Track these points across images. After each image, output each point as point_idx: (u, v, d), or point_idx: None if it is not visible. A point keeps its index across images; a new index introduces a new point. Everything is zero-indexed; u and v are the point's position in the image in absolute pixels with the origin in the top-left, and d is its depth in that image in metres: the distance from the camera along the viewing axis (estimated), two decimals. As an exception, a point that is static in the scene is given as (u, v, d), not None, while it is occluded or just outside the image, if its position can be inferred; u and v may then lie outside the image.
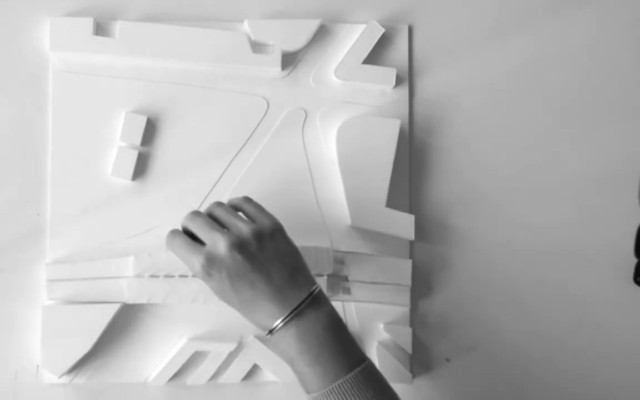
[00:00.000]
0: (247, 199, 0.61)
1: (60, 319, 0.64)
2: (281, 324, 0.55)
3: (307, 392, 0.55)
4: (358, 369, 0.55)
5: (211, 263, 0.56)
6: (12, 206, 0.66)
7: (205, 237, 0.57)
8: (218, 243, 0.56)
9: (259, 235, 0.57)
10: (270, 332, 0.56)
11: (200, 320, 0.67)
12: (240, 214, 0.60)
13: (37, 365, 0.65)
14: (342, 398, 0.54)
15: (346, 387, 0.54)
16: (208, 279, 0.56)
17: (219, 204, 0.60)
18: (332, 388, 0.54)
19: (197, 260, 0.56)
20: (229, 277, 0.56)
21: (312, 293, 0.56)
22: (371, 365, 0.56)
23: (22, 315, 0.66)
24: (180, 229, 0.59)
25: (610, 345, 0.70)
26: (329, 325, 0.56)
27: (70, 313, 0.64)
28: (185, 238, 0.58)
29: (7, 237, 0.66)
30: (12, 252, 0.66)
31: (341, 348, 0.56)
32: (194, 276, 0.65)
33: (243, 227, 0.57)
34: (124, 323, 0.66)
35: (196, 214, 0.59)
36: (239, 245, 0.56)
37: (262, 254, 0.56)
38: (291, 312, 0.55)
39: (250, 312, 0.57)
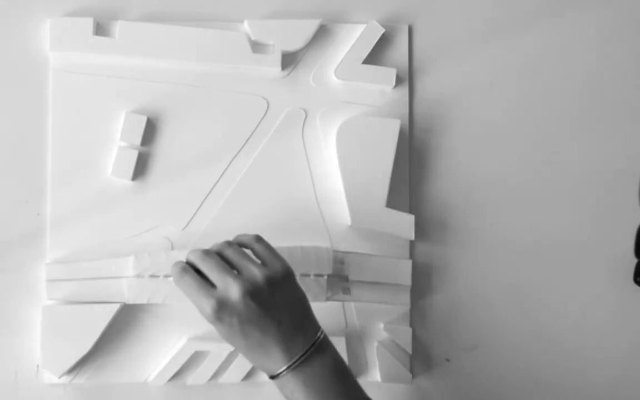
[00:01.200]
0: (258, 238, 0.60)
1: (60, 319, 0.64)
2: (287, 370, 0.55)
3: None
4: None
5: (223, 308, 0.55)
6: (12, 206, 0.66)
7: (216, 279, 0.56)
8: (230, 288, 0.55)
9: (271, 281, 0.56)
10: (275, 376, 0.56)
11: (200, 320, 0.66)
12: (250, 253, 0.59)
13: (37, 365, 0.65)
14: None
15: None
16: (218, 322, 0.55)
17: (229, 244, 0.59)
18: None
19: (207, 304, 0.55)
20: (239, 322, 0.55)
21: (318, 338, 0.57)
22: None
23: (22, 315, 0.66)
24: (187, 263, 0.58)
25: (610, 345, 0.70)
26: (335, 370, 0.56)
27: (70, 313, 0.64)
28: (195, 277, 0.56)
29: (7, 237, 0.66)
30: (12, 252, 0.66)
31: (347, 390, 0.56)
32: None
33: (256, 272, 0.56)
34: (124, 323, 0.66)
35: (207, 253, 0.57)
36: (252, 292, 0.55)
37: (273, 301, 0.56)
38: (298, 358, 0.55)
39: (256, 357, 0.56)
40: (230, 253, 0.58)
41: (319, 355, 0.56)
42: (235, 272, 0.56)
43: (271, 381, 0.55)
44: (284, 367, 0.55)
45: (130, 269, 0.65)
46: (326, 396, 0.55)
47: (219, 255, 0.58)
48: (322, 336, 0.57)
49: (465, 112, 0.70)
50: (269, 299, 0.55)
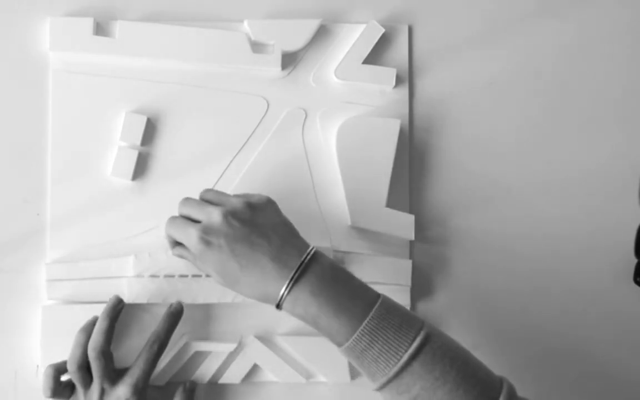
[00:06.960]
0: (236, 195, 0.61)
1: (60, 319, 0.64)
2: (290, 286, 0.55)
3: (340, 345, 0.55)
4: (379, 302, 0.55)
5: (208, 232, 0.56)
6: (12, 206, 0.66)
7: (198, 213, 0.58)
8: (213, 214, 0.57)
9: (252, 206, 0.58)
10: (280, 302, 0.55)
11: (200, 320, 0.67)
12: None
13: (37, 365, 0.65)
14: (373, 336, 0.54)
15: (374, 323, 0.54)
16: (206, 249, 0.56)
17: (208, 190, 0.61)
18: (363, 329, 0.54)
19: (193, 232, 0.57)
20: (227, 242, 0.56)
21: (311, 250, 0.56)
22: (386, 297, 0.56)
23: (22, 315, 0.66)
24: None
25: (610, 345, 0.70)
26: (337, 274, 0.56)
27: (70, 313, 0.64)
28: (182, 218, 0.59)
29: (7, 237, 0.66)
30: (12, 252, 0.66)
31: (355, 290, 0.56)
32: (194, 276, 0.65)
33: (235, 200, 0.58)
34: (124, 323, 0.66)
35: (187, 198, 0.60)
36: (234, 213, 0.57)
37: (257, 221, 0.57)
38: (297, 270, 0.55)
39: (254, 281, 0.56)
40: (210, 195, 0.60)
41: (316, 263, 0.56)
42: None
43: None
44: (286, 283, 0.55)
45: (130, 269, 0.65)
46: (338, 300, 0.55)
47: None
48: (314, 248, 0.57)
49: (465, 112, 0.70)
50: (252, 219, 0.57)
